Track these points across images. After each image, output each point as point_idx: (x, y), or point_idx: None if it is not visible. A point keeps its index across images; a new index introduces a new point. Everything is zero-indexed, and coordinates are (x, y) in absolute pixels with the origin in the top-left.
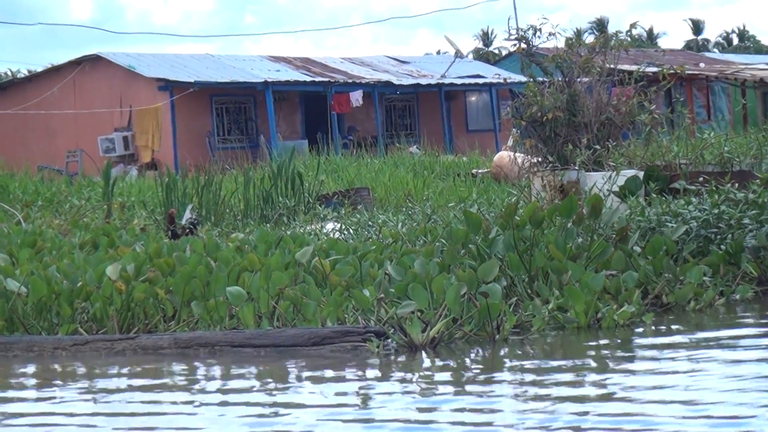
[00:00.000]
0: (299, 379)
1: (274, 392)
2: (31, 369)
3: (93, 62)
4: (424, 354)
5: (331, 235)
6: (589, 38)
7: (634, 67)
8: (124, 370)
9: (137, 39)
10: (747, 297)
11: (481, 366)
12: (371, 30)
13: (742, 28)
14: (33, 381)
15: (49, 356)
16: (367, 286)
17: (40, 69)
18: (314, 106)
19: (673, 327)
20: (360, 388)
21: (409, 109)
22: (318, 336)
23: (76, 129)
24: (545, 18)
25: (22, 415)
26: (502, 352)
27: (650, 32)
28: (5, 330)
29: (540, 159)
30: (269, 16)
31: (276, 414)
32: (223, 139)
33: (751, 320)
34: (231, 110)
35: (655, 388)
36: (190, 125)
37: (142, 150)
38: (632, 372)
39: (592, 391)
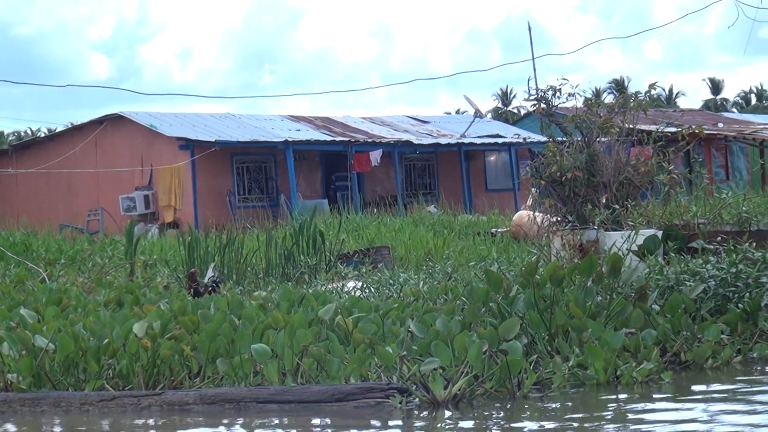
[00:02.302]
0: None
1: None
2: (58, 425)
3: (115, 121)
4: (446, 410)
5: (353, 294)
6: (608, 98)
7: (653, 127)
8: (151, 426)
9: (156, 98)
10: (765, 355)
11: (501, 422)
12: (390, 88)
13: (760, 87)
14: None
15: (76, 412)
16: (390, 344)
17: (60, 128)
18: (334, 165)
19: (692, 385)
20: None
21: (428, 169)
22: (342, 392)
23: (98, 188)
24: (565, 79)
25: None
26: (522, 409)
27: (669, 92)
28: (33, 386)
29: (559, 218)
30: (287, 75)
31: None
32: (243, 198)
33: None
34: (251, 169)
35: None
36: (210, 184)
37: (164, 209)
38: (651, 430)
39: None
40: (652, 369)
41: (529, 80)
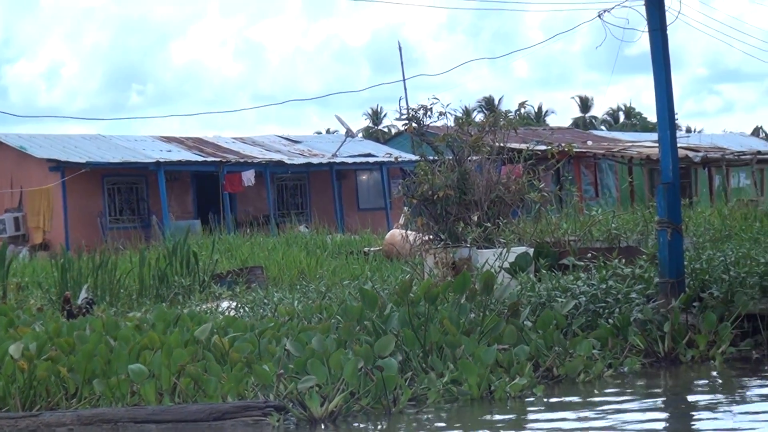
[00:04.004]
0: None
1: None
2: None
3: None
4: (323, 427)
5: (227, 314)
6: (477, 116)
7: (523, 146)
8: None
9: (25, 119)
10: (634, 369)
11: None
12: (259, 107)
13: (628, 105)
14: None
15: None
16: (267, 363)
17: None
18: (206, 185)
19: (564, 399)
20: None
21: (300, 188)
22: (219, 411)
23: None
24: (436, 98)
25: None
26: (398, 425)
27: (539, 110)
28: None
29: (431, 236)
30: (155, 95)
31: None
32: (114, 219)
33: (638, 392)
34: (123, 190)
35: None
36: (81, 205)
37: (33, 231)
38: None
39: None
40: (525, 384)
41: (400, 100)
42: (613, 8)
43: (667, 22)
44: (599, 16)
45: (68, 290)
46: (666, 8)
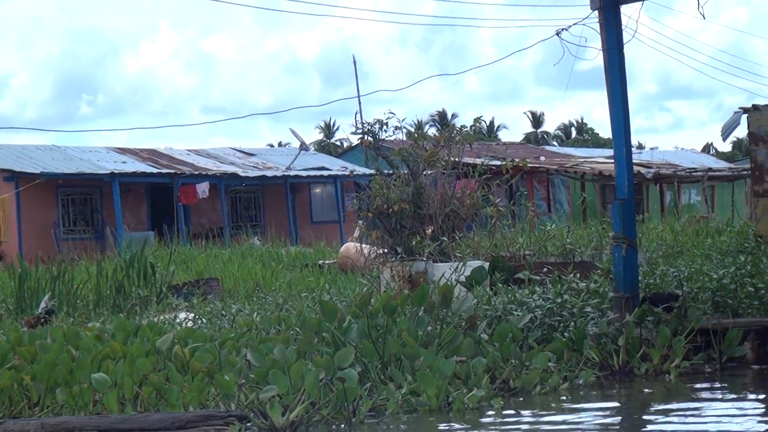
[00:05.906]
0: None
1: None
2: None
3: None
4: None
5: (185, 325)
6: (430, 130)
7: (477, 161)
8: None
9: None
10: (589, 381)
11: None
12: (211, 119)
13: (580, 120)
14: None
15: None
16: (227, 372)
17: None
18: (160, 197)
19: (520, 410)
20: None
21: (254, 201)
22: (181, 420)
23: None
24: (392, 113)
25: None
26: None
27: (491, 125)
28: None
29: (386, 250)
30: (105, 106)
31: None
32: (68, 230)
33: (593, 404)
34: (77, 201)
35: None
36: (35, 216)
37: None
38: None
39: None
40: (483, 395)
41: (356, 114)
42: (570, 26)
43: (624, 41)
44: (557, 34)
45: (26, 299)
46: (623, 27)
